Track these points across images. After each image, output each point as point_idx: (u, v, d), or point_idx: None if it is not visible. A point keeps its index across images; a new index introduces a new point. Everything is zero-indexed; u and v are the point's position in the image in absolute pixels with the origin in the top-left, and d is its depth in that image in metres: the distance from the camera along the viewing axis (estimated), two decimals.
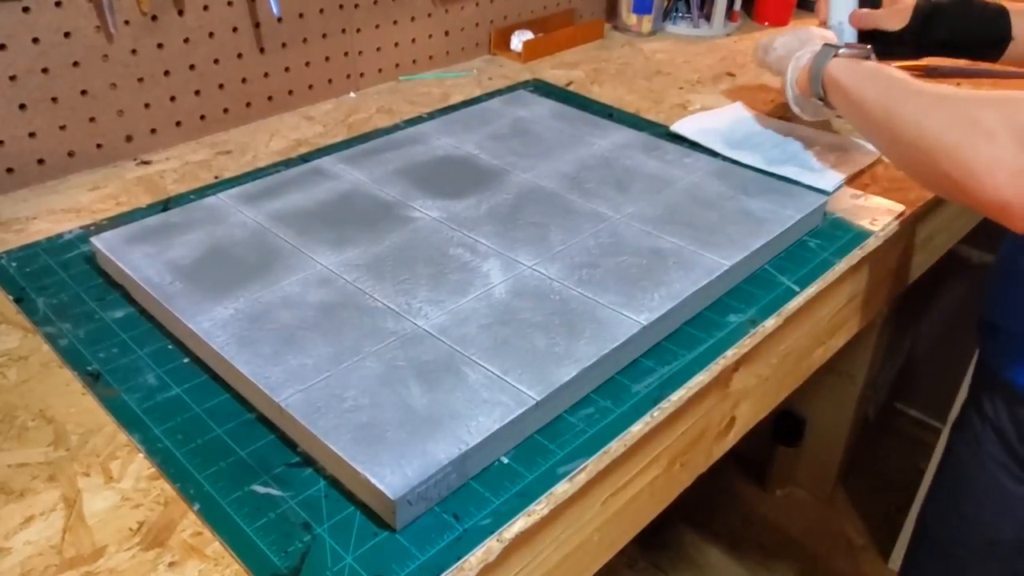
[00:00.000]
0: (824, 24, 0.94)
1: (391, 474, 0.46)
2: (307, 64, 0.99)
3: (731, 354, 0.62)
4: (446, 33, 1.14)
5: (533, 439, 0.53)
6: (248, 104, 0.96)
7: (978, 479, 0.83)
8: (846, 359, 1.52)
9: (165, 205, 0.79)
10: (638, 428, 0.54)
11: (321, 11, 0.98)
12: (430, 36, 1.12)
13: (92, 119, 0.84)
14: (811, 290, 0.69)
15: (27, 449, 0.52)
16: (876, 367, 1.56)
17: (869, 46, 0.82)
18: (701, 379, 0.59)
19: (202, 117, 0.92)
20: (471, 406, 0.52)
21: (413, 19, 1.09)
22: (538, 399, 0.52)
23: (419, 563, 0.45)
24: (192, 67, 0.89)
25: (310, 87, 1.01)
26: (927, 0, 0.92)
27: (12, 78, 0.77)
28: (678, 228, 0.71)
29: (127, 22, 0.83)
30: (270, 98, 0.98)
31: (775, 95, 1.08)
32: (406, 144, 0.86)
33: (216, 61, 0.91)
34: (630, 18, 1.31)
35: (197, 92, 0.91)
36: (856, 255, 0.74)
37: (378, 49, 1.06)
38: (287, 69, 0.98)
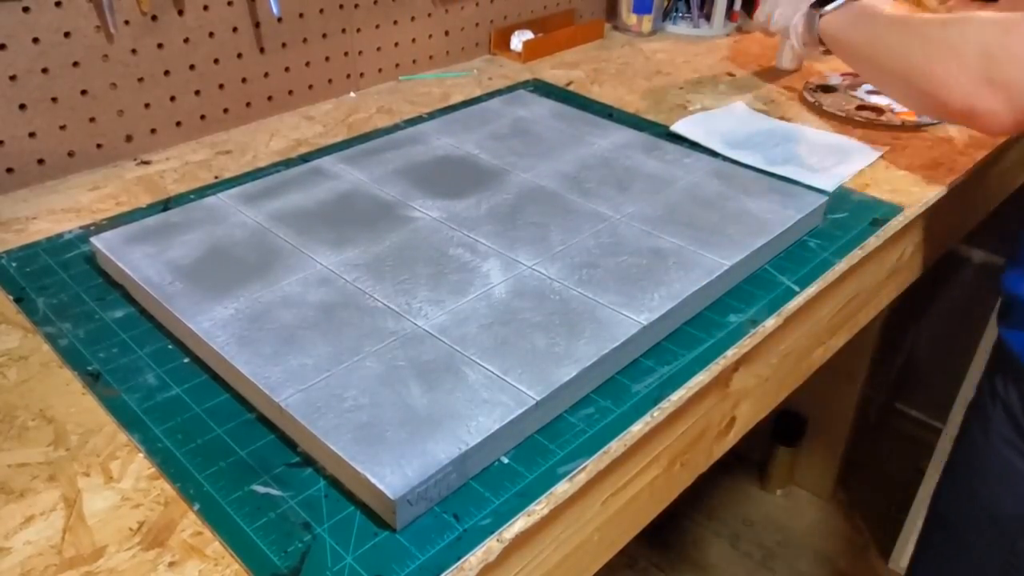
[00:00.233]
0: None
1: (391, 474, 0.46)
2: (307, 64, 0.99)
3: (731, 354, 0.61)
4: (446, 33, 1.14)
5: (533, 439, 0.53)
6: (248, 104, 0.96)
7: (985, 455, 0.83)
8: (846, 359, 1.52)
9: (165, 205, 0.79)
10: (638, 428, 0.54)
11: (321, 11, 0.98)
12: (430, 36, 1.12)
13: (92, 119, 0.84)
14: (811, 290, 0.69)
15: (27, 449, 0.52)
16: (876, 367, 1.56)
17: None
18: (701, 379, 0.59)
19: (202, 117, 0.92)
20: (471, 406, 0.52)
21: (413, 19, 1.09)
22: (538, 399, 0.52)
23: (419, 563, 0.45)
24: (192, 67, 0.89)
25: (310, 87, 1.01)
26: None
27: (12, 78, 0.77)
28: (678, 228, 0.71)
29: (127, 22, 0.83)
30: (270, 98, 0.98)
31: (775, 95, 1.08)
32: (406, 144, 0.86)
33: (216, 61, 0.91)
34: (630, 18, 1.31)
35: (197, 92, 0.91)
36: (856, 255, 0.74)
37: (378, 49, 1.06)
38: (287, 69, 0.98)
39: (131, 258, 0.65)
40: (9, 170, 0.80)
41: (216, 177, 0.85)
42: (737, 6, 1.35)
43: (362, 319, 0.59)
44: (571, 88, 1.09)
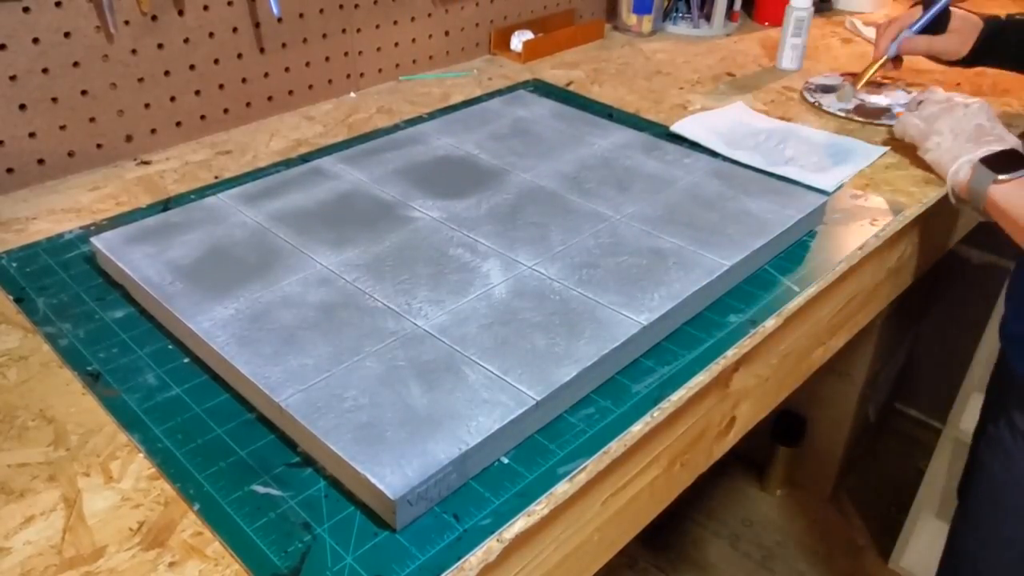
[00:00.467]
0: (880, 57, 0.96)
1: (391, 474, 0.46)
2: (307, 64, 0.99)
3: (731, 354, 0.61)
4: (446, 33, 1.14)
5: (533, 439, 0.53)
6: (248, 104, 0.96)
7: (1012, 496, 0.82)
8: (846, 359, 1.52)
9: (165, 205, 0.79)
10: (638, 428, 0.54)
11: (321, 11, 0.98)
12: (430, 36, 1.12)
13: (92, 119, 0.84)
14: (811, 290, 0.69)
15: (27, 449, 0.52)
16: (876, 367, 1.56)
17: None
18: (701, 379, 0.59)
19: (202, 117, 0.92)
20: (471, 406, 0.52)
21: (413, 19, 1.09)
22: (538, 399, 0.52)
23: (419, 563, 0.45)
24: (192, 67, 0.89)
25: (310, 87, 1.01)
26: (991, 21, 0.92)
27: (12, 78, 0.77)
28: (678, 228, 0.71)
29: (127, 22, 0.83)
30: (270, 98, 0.98)
31: (775, 95, 1.08)
32: (406, 144, 0.86)
33: (216, 61, 0.91)
34: (630, 18, 1.31)
35: (197, 92, 0.91)
36: (856, 255, 0.74)
37: (378, 49, 1.06)
38: (287, 69, 0.98)
39: (131, 258, 0.65)
40: (9, 170, 0.80)
41: (216, 177, 0.85)
42: (737, 6, 1.35)
43: (362, 319, 0.59)
44: (571, 88, 1.09)
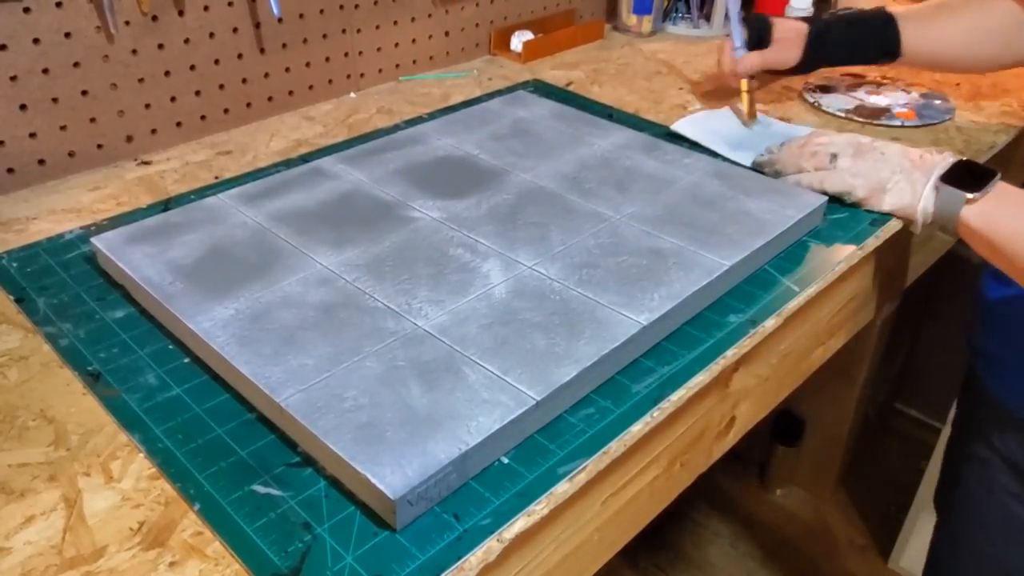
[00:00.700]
0: (738, 84, 0.95)
1: (391, 474, 0.47)
2: (307, 64, 1.00)
3: (731, 354, 0.62)
4: (446, 33, 1.14)
5: (533, 439, 0.53)
6: (248, 104, 0.96)
7: (992, 513, 0.81)
8: (846, 359, 1.52)
9: (165, 205, 0.79)
10: (638, 428, 0.55)
11: (321, 11, 0.98)
12: (430, 36, 1.12)
13: (92, 119, 0.84)
14: (811, 290, 0.69)
15: (27, 449, 0.52)
16: (876, 367, 1.56)
17: (998, 174, 0.70)
18: (701, 379, 0.59)
19: (202, 117, 0.93)
20: (471, 406, 0.52)
21: (413, 19, 1.09)
22: (538, 399, 0.52)
23: (419, 563, 0.45)
24: (192, 67, 0.89)
25: (310, 87, 1.01)
26: (817, 22, 0.91)
27: (13, 78, 0.77)
28: (678, 228, 0.71)
29: (127, 22, 0.83)
30: (270, 98, 0.98)
31: (775, 95, 1.08)
32: (406, 144, 0.86)
33: (216, 61, 0.91)
34: (630, 18, 1.31)
35: (197, 92, 0.91)
36: (856, 255, 0.74)
37: (378, 49, 1.06)
38: (287, 69, 0.98)
39: (131, 258, 0.65)
40: (10, 170, 0.80)
41: (216, 177, 0.85)
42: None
43: (362, 319, 0.59)
44: (571, 88, 1.09)
